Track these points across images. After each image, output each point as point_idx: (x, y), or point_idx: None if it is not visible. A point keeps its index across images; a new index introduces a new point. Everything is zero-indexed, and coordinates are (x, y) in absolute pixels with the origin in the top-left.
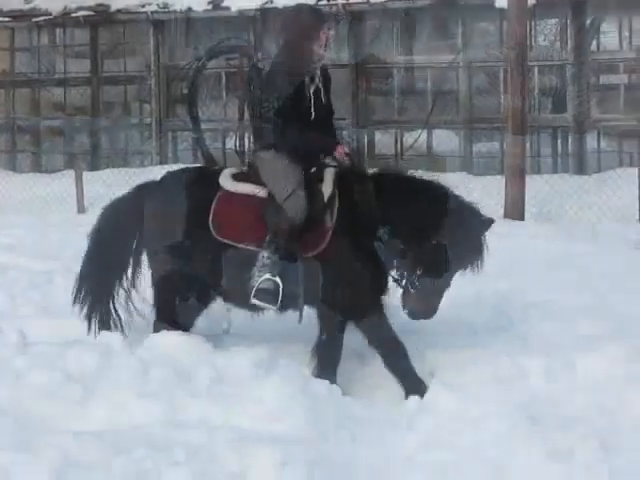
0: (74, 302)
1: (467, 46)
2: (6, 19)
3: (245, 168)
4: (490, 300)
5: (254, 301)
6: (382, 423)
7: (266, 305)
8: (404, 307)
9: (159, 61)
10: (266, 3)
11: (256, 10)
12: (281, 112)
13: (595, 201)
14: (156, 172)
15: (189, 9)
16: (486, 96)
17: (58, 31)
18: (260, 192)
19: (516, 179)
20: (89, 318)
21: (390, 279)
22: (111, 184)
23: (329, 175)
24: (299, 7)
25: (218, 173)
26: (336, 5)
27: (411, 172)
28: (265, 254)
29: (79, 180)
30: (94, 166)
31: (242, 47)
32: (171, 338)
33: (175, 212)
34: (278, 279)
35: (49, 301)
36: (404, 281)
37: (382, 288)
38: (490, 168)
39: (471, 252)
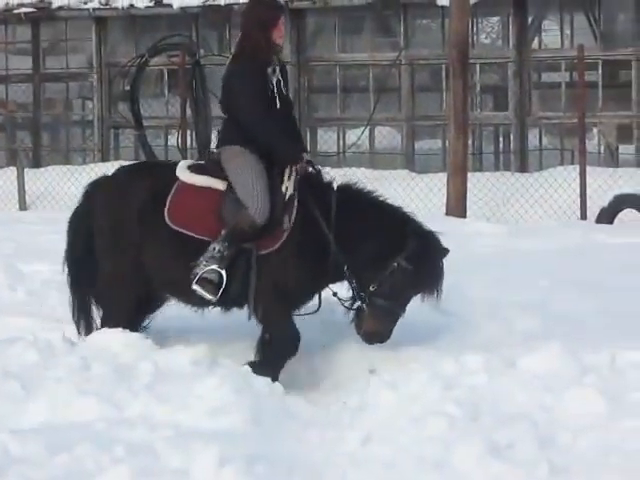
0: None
1: (409, 44)
2: None
3: (201, 161)
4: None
5: (195, 287)
6: (323, 421)
7: (205, 295)
8: (358, 330)
9: (101, 58)
10: (208, 0)
11: (198, 7)
12: (251, 105)
13: (537, 199)
14: (98, 169)
15: (131, 6)
16: (428, 93)
17: None
18: (219, 185)
19: (458, 176)
20: (76, 324)
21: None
22: (52, 181)
23: (292, 174)
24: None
25: (174, 166)
26: None
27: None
28: (217, 246)
29: (20, 177)
30: (36, 163)
31: (184, 44)
32: (111, 335)
33: (127, 204)
34: (223, 272)
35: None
36: (357, 299)
37: (312, 293)
38: (432, 165)
39: (429, 278)
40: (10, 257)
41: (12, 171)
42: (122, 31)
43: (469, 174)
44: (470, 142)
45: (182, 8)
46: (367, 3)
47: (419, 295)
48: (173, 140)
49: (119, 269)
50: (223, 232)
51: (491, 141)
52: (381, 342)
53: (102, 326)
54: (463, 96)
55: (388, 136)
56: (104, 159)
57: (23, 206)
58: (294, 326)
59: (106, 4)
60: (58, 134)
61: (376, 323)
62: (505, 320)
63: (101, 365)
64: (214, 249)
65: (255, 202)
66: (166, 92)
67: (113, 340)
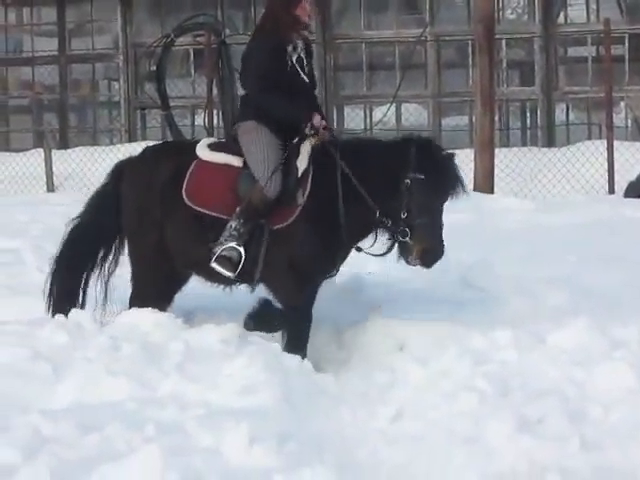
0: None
1: (435, 20)
2: None
3: (223, 139)
4: (456, 272)
5: (213, 265)
6: (353, 397)
7: (223, 272)
8: (411, 258)
9: (127, 39)
10: None
11: None
12: (262, 80)
13: (564, 174)
14: (125, 150)
15: None
16: (454, 70)
17: (25, 9)
18: (235, 162)
19: (485, 152)
20: (51, 298)
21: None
22: (80, 162)
23: (305, 149)
24: None
25: (196, 144)
26: None
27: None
28: (233, 224)
29: (48, 159)
30: (63, 144)
31: (210, 24)
32: (141, 315)
33: (151, 185)
34: (242, 249)
35: (18, 279)
36: (394, 235)
37: (327, 269)
38: (459, 141)
39: (443, 178)
40: (38, 239)
41: (39, 153)
42: (147, 11)
43: (496, 150)
44: (497, 118)
45: None
46: None
47: (449, 198)
48: (200, 120)
49: (144, 249)
50: (238, 209)
51: (518, 116)
52: (438, 259)
53: (130, 305)
54: (489, 72)
55: (415, 113)
56: (131, 140)
57: (51, 187)
58: (310, 305)
59: None
60: (85, 115)
61: (424, 242)
62: (533, 295)
63: (131, 345)
64: (231, 227)
65: (266, 176)
66: (192, 72)
67: (142, 320)
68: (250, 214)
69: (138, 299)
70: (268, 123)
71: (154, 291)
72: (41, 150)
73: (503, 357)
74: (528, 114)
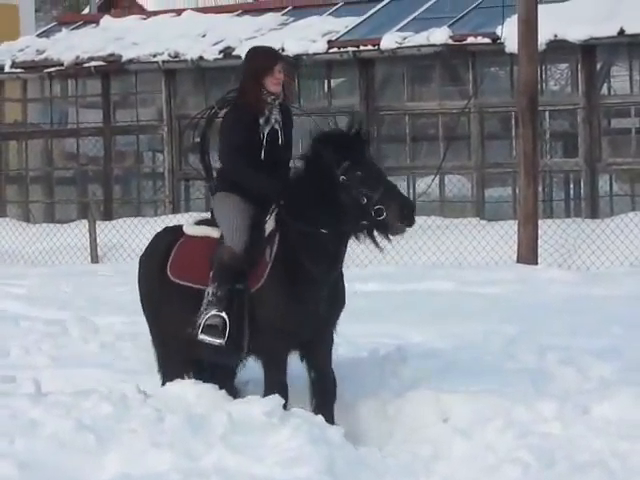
0: None
1: (478, 92)
2: (18, 70)
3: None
4: (500, 344)
5: (201, 337)
6: (397, 470)
7: (212, 340)
8: (395, 230)
9: (171, 110)
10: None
11: None
12: (234, 155)
13: (608, 245)
14: (169, 221)
15: (200, 58)
16: (498, 141)
17: (70, 81)
18: (214, 233)
19: (529, 224)
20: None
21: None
22: (124, 233)
23: (272, 209)
24: (252, 48)
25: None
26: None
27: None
28: (210, 290)
29: (92, 230)
30: (107, 216)
31: None
32: (185, 386)
33: (150, 266)
34: (224, 314)
35: (63, 351)
36: (372, 223)
37: (314, 317)
38: (503, 213)
39: (357, 142)
40: (83, 310)
41: (84, 224)
42: (191, 83)
43: (540, 221)
44: (540, 189)
45: None
46: (435, 52)
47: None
48: None
49: (155, 332)
50: (211, 273)
51: (561, 188)
52: (414, 207)
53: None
54: (533, 143)
55: (458, 184)
56: (175, 211)
57: (95, 259)
58: (284, 374)
59: (175, 57)
60: (129, 186)
61: (395, 203)
62: (578, 367)
63: (175, 416)
64: (208, 293)
65: (232, 234)
66: None
67: (186, 391)
68: (222, 275)
69: (161, 374)
70: (238, 192)
71: (173, 371)
72: (85, 221)
73: (547, 429)
74: (572, 185)
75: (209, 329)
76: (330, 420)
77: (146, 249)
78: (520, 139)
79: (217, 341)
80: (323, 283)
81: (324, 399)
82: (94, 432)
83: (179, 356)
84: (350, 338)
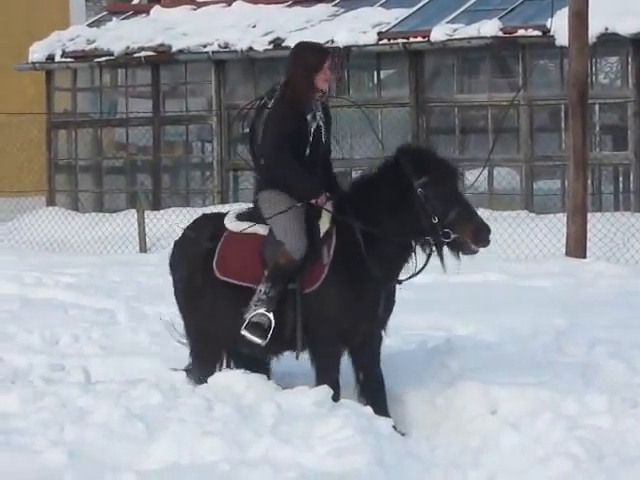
0: None
1: (527, 84)
2: (68, 60)
3: (251, 207)
4: (549, 337)
5: (243, 332)
6: (445, 461)
7: (254, 339)
8: (469, 251)
9: (220, 101)
10: (327, 42)
11: None
12: (279, 152)
13: None
14: (217, 211)
15: (250, 49)
16: (547, 134)
17: (120, 71)
18: (260, 230)
19: (578, 217)
20: None
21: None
22: (172, 223)
23: (327, 207)
24: (301, 44)
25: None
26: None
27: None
28: (262, 288)
29: (141, 219)
30: (156, 205)
31: None
32: (234, 376)
33: (189, 259)
34: (271, 315)
35: (112, 340)
36: (438, 244)
37: (370, 321)
38: (552, 206)
39: (438, 166)
40: (132, 299)
41: (132, 213)
42: (241, 74)
43: (589, 214)
44: (589, 182)
45: None
46: (485, 44)
47: (456, 179)
48: None
49: (191, 319)
50: (266, 272)
51: (611, 181)
52: (489, 230)
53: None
54: (582, 136)
55: (507, 177)
56: (223, 201)
57: (144, 248)
58: (337, 372)
59: (225, 47)
60: (178, 176)
61: (469, 225)
62: (628, 361)
63: (224, 406)
64: (260, 291)
65: (290, 238)
66: None
67: (235, 381)
68: (278, 277)
69: (194, 365)
70: (287, 190)
71: (206, 359)
72: (134, 211)
73: (597, 422)
74: (621, 179)
75: (254, 326)
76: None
77: (185, 238)
78: (570, 132)
79: (258, 340)
80: (383, 285)
81: (373, 399)
82: (143, 421)
83: (216, 350)
84: (399, 330)
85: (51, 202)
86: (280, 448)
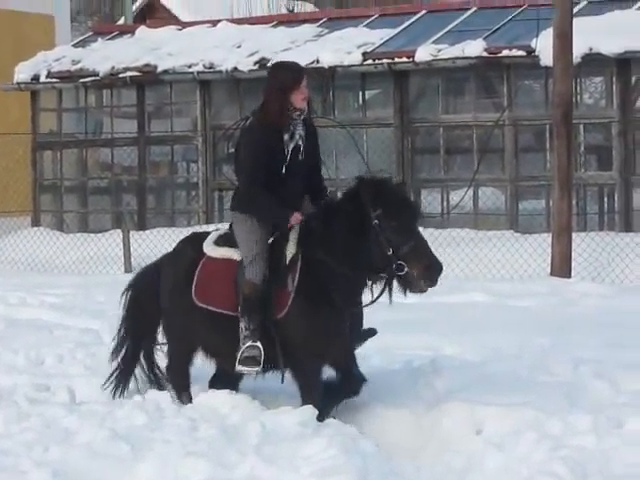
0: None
1: (512, 104)
2: (54, 80)
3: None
4: (533, 357)
5: (239, 368)
6: None
7: (250, 371)
8: (417, 288)
9: (205, 121)
10: (312, 62)
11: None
12: (252, 174)
13: None
14: (202, 231)
15: (235, 69)
16: (532, 154)
17: (105, 91)
18: (235, 255)
19: (563, 237)
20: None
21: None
22: (158, 243)
23: (293, 236)
24: (277, 63)
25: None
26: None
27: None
28: (242, 325)
29: (126, 240)
30: (141, 226)
31: None
32: (220, 397)
33: (174, 282)
34: (259, 344)
35: (97, 360)
36: (391, 276)
37: (334, 346)
38: (536, 226)
39: (402, 197)
40: (117, 319)
41: (118, 234)
42: (226, 94)
43: (573, 234)
44: (574, 202)
45: None
46: (470, 64)
47: (413, 213)
48: None
49: (172, 328)
50: (239, 308)
51: (595, 201)
52: (440, 270)
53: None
54: (567, 156)
55: (492, 197)
56: (209, 221)
57: (129, 268)
58: (319, 390)
59: (210, 67)
60: (163, 196)
61: (421, 261)
62: (612, 380)
63: (209, 426)
64: (242, 329)
65: (251, 265)
66: None
67: (220, 401)
68: (249, 308)
69: (170, 370)
70: (257, 215)
71: (182, 366)
72: (119, 231)
73: (581, 442)
74: (605, 199)
75: (247, 360)
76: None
77: (169, 259)
78: (554, 152)
79: (254, 370)
80: (345, 312)
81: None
82: (128, 441)
83: (187, 364)
84: (384, 349)
85: (36, 222)
86: (265, 468)
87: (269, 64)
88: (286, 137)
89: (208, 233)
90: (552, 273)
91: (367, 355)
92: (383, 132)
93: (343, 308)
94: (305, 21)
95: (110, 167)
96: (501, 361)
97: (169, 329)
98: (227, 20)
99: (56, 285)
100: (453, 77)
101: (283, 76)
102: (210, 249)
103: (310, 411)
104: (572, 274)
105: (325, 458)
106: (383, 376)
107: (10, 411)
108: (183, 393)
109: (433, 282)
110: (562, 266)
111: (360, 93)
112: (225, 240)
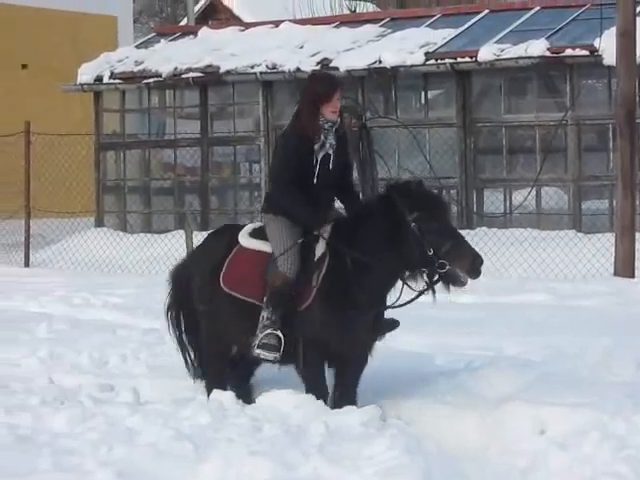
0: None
1: (575, 104)
2: (117, 81)
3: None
4: (595, 356)
5: (257, 352)
6: None
7: (267, 356)
8: (461, 283)
9: (268, 121)
10: (374, 63)
11: (364, 70)
12: (284, 177)
13: None
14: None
15: (297, 69)
16: (595, 153)
17: (168, 92)
18: (266, 248)
19: (626, 236)
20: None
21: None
22: None
23: (324, 236)
24: (315, 73)
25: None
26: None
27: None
28: (265, 314)
29: (189, 240)
30: (204, 226)
31: (351, 107)
32: (282, 396)
33: (205, 266)
34: (280, 333)
35: (160, 360)
36: (433, 274)
37: (353, 342)
38: (600, 225)
39: (430, 200)
40: None
41: (180, 234)
42: (289, 94)
43: (637, 234)
44: (638, 202)
45: (348, 71)
46: (532, 64)
47: (447, 213)
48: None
49: (204, 322)
50: (265, 298)
51: None
52: (482, 262)
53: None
54: (630, 156)
55: (555, 196)
56: None
57: None
58: (324, 383)
59: (273, 68)
60: (226, 197)
61: (463, 258)
62: None
63: (272, 426)
64: (263, 317)
65: (283, 260)
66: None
67: (283, 401)
68: (277, 301)
69: (205, 367)
70: (288, 216)
71: (216, 359)
72: (182, 231)
73: None
74: None
75: (265, 346)
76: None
77: (202, 247)
78: (618, 152)
79: (272, 356)
80: (368, 311)
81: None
82: (192, 441)
83: (224, 354)
84: (445, 349)
85: (99, 223)
86: (328, 468)
87: (331, 64)
88: (316, 147)
89: (240, 225)
90: (616, 273)
91: (430, 354)
92: (445, 132)
93: (368, 308)
94: (367, 21)
95: (173, 168)
96: (564, 361)
97: (200, 316)
98: (289, 21)
99: (119, 285)
100: (516, 77)
101: (316, 88)
102: (244, 239)
103: (373, 411)
104: (636, 274)
105: (388, 458)
106: (445, 376)
107: (75, 411)
108: (215, 378)
109: (477, 274)
110: (626, 266)
111: (422, 93)
112: (259, 233)
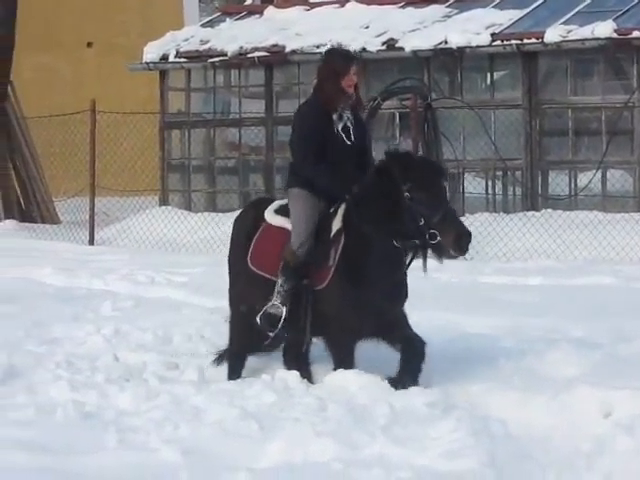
0: None
1: None
2: (182, 60)
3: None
4: None
5: (257, 319)
6: (559, 464)
7: (265, 327)
8: (448, 255)
9: None
10: (440, 43)
11: (430, 50)
12: (306, 149)
13: None
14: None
15: (363, 49)
16: None
17: (233, 71)
18: (288, 224)
19: None
20: None
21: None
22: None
23: (340, 212)
24: (331, 49)
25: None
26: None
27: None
28: (279, 282)
29: None
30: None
31: (416, 87)
32: (347, 376)
33: (235, 245)
34: (283, 307)
35: (225, 339)
36: (424, 245)
37: (375, 317)
38: None
39: (430, 167)
40: None
41: None
42: None
43: None
44: None
45: (414, 51)
46: (599, 45)
47: (440, 182)
48: None
49: (232, 293)
50: (279, 268)
51: None
52: (470, 239)
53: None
54: None
55: (620, 179)
56: None
57: None
58: (352, 361)
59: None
60: None
61: (452, 230)
62: None
63: (337, 406)
64: (277, 284)
65: (296, 236)
66: (397, 135)
67: (348, 381)
68: (287, 272)
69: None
70: (312, 189)
71: (242, 335)
72: None
73: None
74: None
75: (267, 317)
76: (413, 382)
77: (236, 222)
78: None
79: (269, 329)
80: (384, 286)
81: (412, 362)
82: (257, 420)
83: (250, 331)
84: (511, 331)
85: (164, 201)
86: (393, 449)
87: (397, 44)
88: (335, 117)
89: (271, 199)
90: None
91: (496, 336)
92: (511, 114)
93: (384, 280)
94: (433, 1)
95: (237, 147)
96: (629, 344)
97: (229, 292)
98: (355, 0)
99: (184, 264)
100: (582, 58)
101: (334, 61)
102: (270, 216)
103: (439, 392)
104: None
105: (454, 440)
106: (511, 359)
107: (139, 389)
108: (236, 355)
109: (463, 250)
110: None
111: (488, 74)
112: (284, 209)
